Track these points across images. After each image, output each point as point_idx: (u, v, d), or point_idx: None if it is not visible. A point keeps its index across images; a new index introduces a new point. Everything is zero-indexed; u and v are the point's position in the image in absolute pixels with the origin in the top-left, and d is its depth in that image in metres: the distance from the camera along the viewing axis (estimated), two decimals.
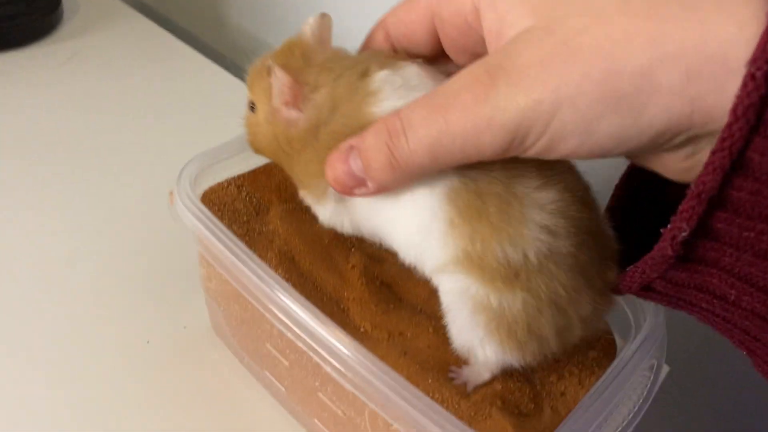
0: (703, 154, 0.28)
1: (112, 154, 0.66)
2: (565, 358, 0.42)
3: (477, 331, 0.36)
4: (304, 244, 0.44)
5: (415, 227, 0.36)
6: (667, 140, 0.27)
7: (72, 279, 0.53)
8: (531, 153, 0.30)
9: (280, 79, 0.36)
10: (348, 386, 0.36)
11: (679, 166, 0.29)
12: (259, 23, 0.93)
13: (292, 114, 0.37)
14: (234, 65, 1.00)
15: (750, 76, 0.23)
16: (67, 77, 0.75)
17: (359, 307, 0.42)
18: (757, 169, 0.25)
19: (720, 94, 0.25)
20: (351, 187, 0.34)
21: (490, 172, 0.34)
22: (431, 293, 0.40)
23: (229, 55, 1.01)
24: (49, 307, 0.51)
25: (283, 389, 0.45)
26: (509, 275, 0.34)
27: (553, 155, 0.29)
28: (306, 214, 0.46)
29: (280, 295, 0.37)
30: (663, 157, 0.29)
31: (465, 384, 0.39)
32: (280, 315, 0.38)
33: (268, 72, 0.37)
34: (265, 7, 0.91)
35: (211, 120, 0.73)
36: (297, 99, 0.37)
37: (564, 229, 0.34)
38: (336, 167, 0.34)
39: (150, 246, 0.56)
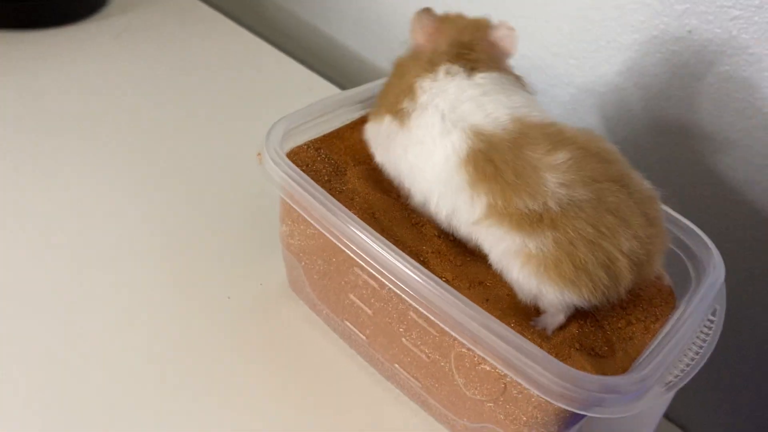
0: None
1: (172, 125, 0.68)
2: (631, 307, 0.45)
3: (531, 280, 0.40)
4: (383, 203, 0.47)
5: (438, 180, 0.43)
6: None
7: (157, 242, 0.56)
8: None
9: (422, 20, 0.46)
10: (442, 326, 0.38)
11: None
12: (297, 2, 0.95)
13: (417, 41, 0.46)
14: (267, 38, 1.02)
15: None
16: (120, 50, 0.77)
17: (439, 260, 0.44)
18: None
19: None
20: None
21: (501, 143, 0.40)
22: None
23: (260, 28, 1.04)
24: (138, 266, 0.53)
25: (364, 338, 0.47)
26: (534, 219, 0.39)
27: None
28: (381, 174, 0.49)
29: (373, 244, 0.40)
30: None
31: (545, 329, 0.41)
32: (373, 262, 0.40)
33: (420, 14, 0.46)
34: None
35: (261, 89, 0.76)
36: (426, 38, 0.46)
37: (579, 181, 0.39)
38: None
39: (225, 211, 0.59)
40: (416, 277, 0.39)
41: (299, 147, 0.49)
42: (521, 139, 0.40)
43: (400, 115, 0.44)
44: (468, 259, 0.45)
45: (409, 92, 0.44)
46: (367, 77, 0.92)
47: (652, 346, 0.41)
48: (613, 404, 0.36)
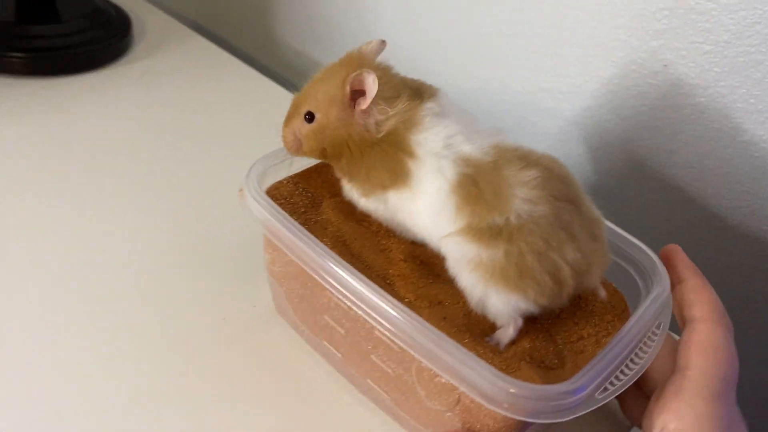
0: None
1: (183, 160, 0.75)
2: (583, 322, 0.48)
3: (478, 285, 0.45)
4: (354, 231, 0.51)
5: (431, 214, 0.47)
6: None
7: (159, 268, 0.61)
8: None
9: (371, 84, 0.45)
10: (399, 343, 0.43)
11: None
12: (305, 40, 1.01)
13: (372, 119, 0.47)
14: (284, 80, 1.09)
15: None
16: (140, 93, 0.85)
17: (403, 282, 0.48)
18: None
19: None
20: None
21: (485, 163, 0.45)
22: None
23: (277, 69, 1.10)
24: (141, 292, 0.59)
25: (340, 355, 0.52)
26: (494, 232, 0.44)
27: None
28: (354, 206, 0.54)
29: (338, 270, 0.44)
30: None
31: (498, 344, 0.45)
32: (339, 287, 0.45)
33: (344, 82, 0.46)
34: (309, 25, 0.99)
35: (265, 129, 0.81)
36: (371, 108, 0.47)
37: (542, 198, 0.44)
38: None
39: (222, 240, 0.65)
40: (376, 299, 0.43)
41: (279, 182, 0.54)
42: (500, 160, 0.45)
43: (405, 180, 0.47)
44: (430, 281, 0.49)
45: (408, 153, 0.46)
46: None
47: (598, 359, 0.45)
48: (550, 411, 0.39)
